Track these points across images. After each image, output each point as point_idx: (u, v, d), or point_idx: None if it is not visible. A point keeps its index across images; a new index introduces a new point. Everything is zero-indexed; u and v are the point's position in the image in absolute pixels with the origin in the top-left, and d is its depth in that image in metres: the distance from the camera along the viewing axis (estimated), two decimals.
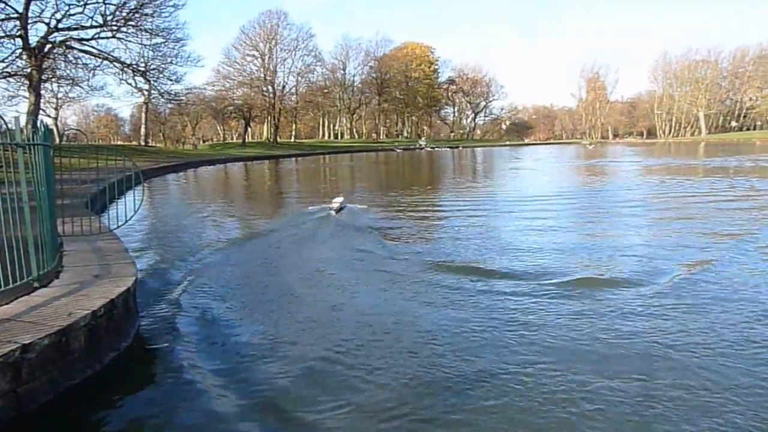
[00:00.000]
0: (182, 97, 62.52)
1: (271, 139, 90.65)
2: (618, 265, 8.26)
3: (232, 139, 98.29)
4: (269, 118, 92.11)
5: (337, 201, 15.14)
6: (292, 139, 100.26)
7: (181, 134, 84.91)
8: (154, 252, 10.34)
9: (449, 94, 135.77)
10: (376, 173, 39.09)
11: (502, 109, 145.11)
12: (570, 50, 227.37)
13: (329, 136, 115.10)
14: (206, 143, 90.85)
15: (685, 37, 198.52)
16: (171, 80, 56.08)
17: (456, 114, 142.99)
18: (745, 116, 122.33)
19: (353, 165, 48.58)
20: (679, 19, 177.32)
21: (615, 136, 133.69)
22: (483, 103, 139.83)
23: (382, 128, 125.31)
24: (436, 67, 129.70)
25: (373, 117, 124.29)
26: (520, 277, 7.70)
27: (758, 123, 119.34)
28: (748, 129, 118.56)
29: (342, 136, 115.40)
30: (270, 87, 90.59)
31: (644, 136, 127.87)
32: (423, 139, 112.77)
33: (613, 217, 13.88)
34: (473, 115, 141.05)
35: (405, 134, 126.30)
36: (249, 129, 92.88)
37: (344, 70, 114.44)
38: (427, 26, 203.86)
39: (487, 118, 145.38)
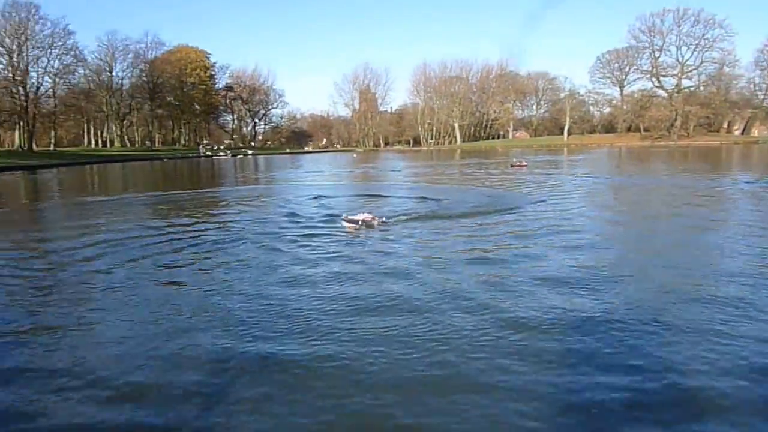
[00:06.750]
0: None
1: (25, 147, 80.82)
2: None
3: None
4: (21, 123, 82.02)
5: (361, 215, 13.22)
6: (52, 147, 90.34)
7: None
8: None
9: (227, 101, 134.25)
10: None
11: (281, 117, 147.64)
12: (343, 62, 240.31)
13: (97, 144, 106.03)
14: None
15: (440, 54, 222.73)
16: None
17: (236, 121, 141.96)
18: (491, 126, 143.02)
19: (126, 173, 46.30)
20: (436, 35, 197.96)
21: (386, 144, 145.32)
22: (262, 111, 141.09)
23: (157, 135, 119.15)
24: (213, 72, 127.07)
25: (146, 124, 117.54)
26: None
27: (501, 133, 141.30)
28: (493, 137, 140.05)
29: (112, 144, 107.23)
30: (21, 88, 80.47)
31: (411, 144, 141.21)
32: (202, 146, 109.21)
33: None
34: (253, 122, 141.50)
35: (183, 142, 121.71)
36: None
37: (111, 72, 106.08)
38: (201, 29, 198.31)
39: (267, 126, 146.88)
